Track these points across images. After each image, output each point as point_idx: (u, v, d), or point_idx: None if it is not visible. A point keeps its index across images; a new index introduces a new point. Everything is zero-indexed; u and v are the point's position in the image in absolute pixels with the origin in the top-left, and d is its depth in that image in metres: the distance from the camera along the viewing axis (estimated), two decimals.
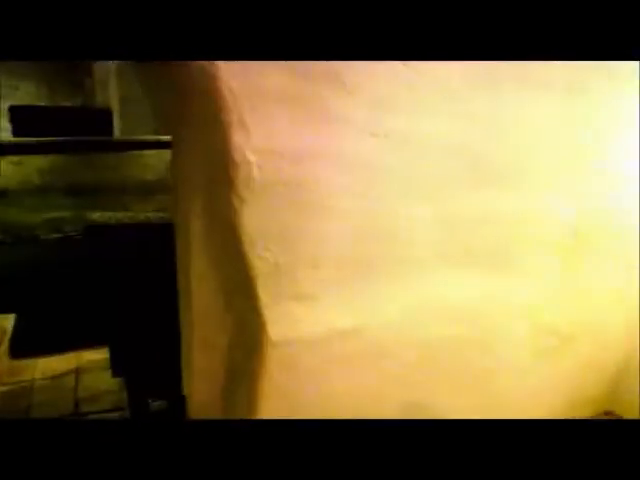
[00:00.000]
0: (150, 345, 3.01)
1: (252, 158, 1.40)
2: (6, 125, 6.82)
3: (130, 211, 3.43)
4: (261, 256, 1.61)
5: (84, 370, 3.29)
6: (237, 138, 1.35)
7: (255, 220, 1.55)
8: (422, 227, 1.71)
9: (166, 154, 3.86)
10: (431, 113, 1.43)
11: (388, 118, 1.38)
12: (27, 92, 6.77)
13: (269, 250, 1.61)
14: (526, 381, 2.16)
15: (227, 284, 1.86)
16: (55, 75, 6.86)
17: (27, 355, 3.41)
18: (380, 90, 1.31)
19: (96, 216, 2.80)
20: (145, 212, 3.02)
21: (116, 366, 3.15)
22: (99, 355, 3.43)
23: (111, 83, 4.66)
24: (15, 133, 5.16)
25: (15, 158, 3.45)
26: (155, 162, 3.76)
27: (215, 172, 1.55)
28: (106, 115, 4.84)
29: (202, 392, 2.20)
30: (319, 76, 1.26)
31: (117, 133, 4.61)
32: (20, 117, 5.19)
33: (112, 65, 4.58)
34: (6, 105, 6.44)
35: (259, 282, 1.66)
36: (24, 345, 3.53)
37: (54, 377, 3.21)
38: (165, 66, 1.36)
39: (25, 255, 3.31)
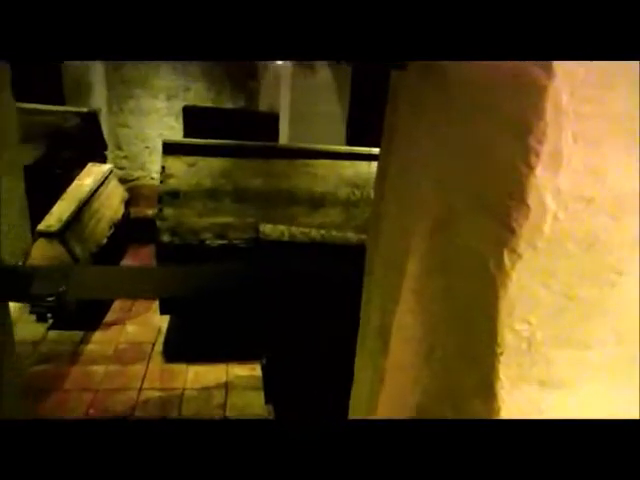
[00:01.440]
0: (308, 377, 2.75)
1: (552, 204, 0.97)
2: (171, 123, 7.20)
3: (299, 224, 3.21)
4: (515, 328, 1.18)
5: (233, 386, 3.13)
6: (541, 174, 0.93)
7: (523, 284, 1.12)
8: None
9: (338, 165, 3.62)
10: None
11: None
12: (197, 93, 7.04)
13: (527, 322, 1.18)
14: None
15: (443, 343, 1.45)
16: (223, 77, 7.06)
17: (179, 358, 3.35)
18: None
19: (268, 229, 2.59)
20: (317, 228, 2.76)
21: (269, 392, 2.94)
22: (249, 372, 3.27)
23: (282, 87, 4.55)
24: (186, 132, 5.31)
25: (190, 159, 3.40)
26: (324, 173, 3.53)
27: (472, 210, 1.16)
28: (272, 119, 4.76)
29: None
30: None
31: (284, 139, 4.48)
32: (191, 117, 5.34)
33: (285, 68, 4.46)
34: (178, 105, 6.77)
35: (502, 359, 1.23)
36: (177, 347, 3.48)
37: (203, 389, 3.09)
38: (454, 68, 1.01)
39: (189, 258, 3.23)
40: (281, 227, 2.64)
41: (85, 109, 5.01)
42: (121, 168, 7.17)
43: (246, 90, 7.19)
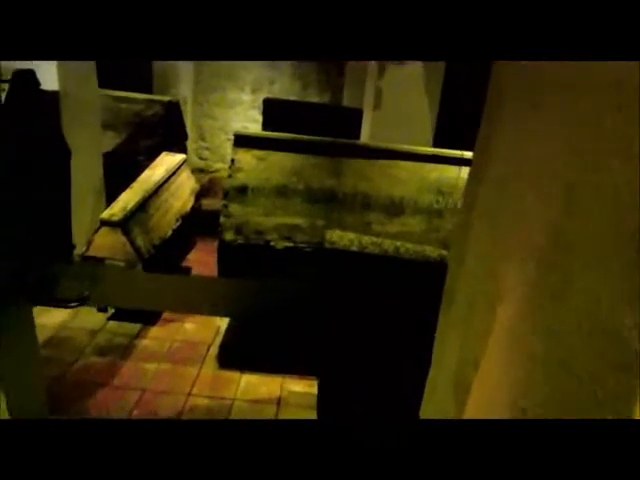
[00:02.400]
0: (367, 398, 2.44)
1: None
2: (255, 116, 7.11)
3: (373, 232, 2.89)
4: None
5: (286, 402, 2.87)
6: None
7: None
8: None
9: (422, 169, 3.25)
10: None
11: None
12: (283, 87, 6.88)
13: None
14: None
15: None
16: (309, 71, 6.86)
17: (234, 364, 3.15)
18: None
19: (335, 236, 2.29)
20: (392, 239, 2.43)
21: (322, 410, 2.66)
22: (305, 388, 3.00)
23: (367, 82, 4.23)
24: (265, 125, 5.13)
25: (260, 152, 3.18)
26: (406, 176, 3.18)
27: (598, 243, 0.82)
28: (356, 115, 4.46)
29: None
30: None
31: (365, 137, 4.17)
32: (272, 110, 5.15)
33: (371, 64, 4.14)
34: (262, 97, 6.65)
35: None
36: (233, 352, 3.28)
37: (254, 402, 2.85)
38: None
39: (253, 259, 3.01)
40: (350, 235, 2.33)
41: (168, 98, 4.97)
42: (203, 159, 7.19)
43: (332, 86, 6.95)
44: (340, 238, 2.30)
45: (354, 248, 2.24)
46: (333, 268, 2.17)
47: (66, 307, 1.31)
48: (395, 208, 3.10)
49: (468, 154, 3.23)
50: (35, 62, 3.18)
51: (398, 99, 3.87)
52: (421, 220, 3.12)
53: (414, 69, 3.84)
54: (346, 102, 6.40)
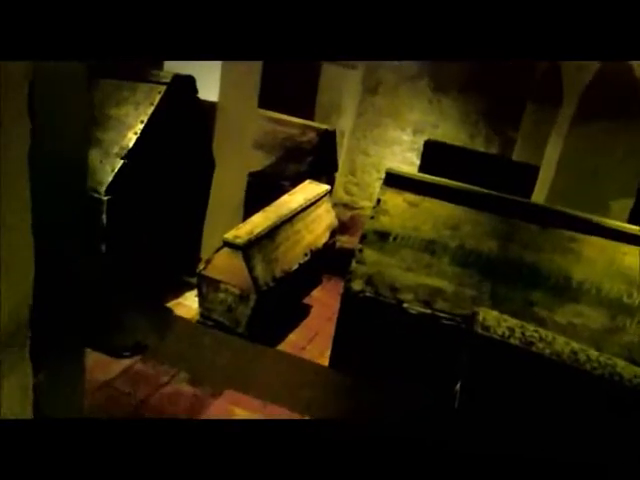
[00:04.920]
0: None
1: None
2: (412, 159, 6.71)
3: (534, 317, 2.26)
4: None
5: None
6: None
7: None
8: None
9: (614, 248, 2.54)
10: None
11: None
12: (446, 132, 6.40)
13: None
14: None
15: None
16: (478, 120, 6.30)
17: None
18: None
19: (491, 319, 1.73)
20: (566, 339, 1.79)
21: None
22: None
23: (553, 135, 3.59)
24: (422, 169, 4.69)
25: (413, 197, 2.72)
26: (591, 254, 2.49)
27: None
28: (530, 172, 3.82)
29: None
30: None
31: (539, 198, 3.51)
32: (432, 153, 4.70)
33: (563, 117, 3.50)
34: (422, 140, 6.24)
35: None
36: None
37: None
38: None
39: (379, 318, 2.54)
40: (510, 320, 1.75)
41: (324, 126, 4.76)
42: (349, 194, 6.94)
43: (503, 137, 6.30)
44: (497, 322, 1.73)
45: (515, 341, 1.66)
46: (484, 363, 1.60)
47: (118, 356, 1.02)
48: (570, 292, 2.42)
49: None
50: (198, 69, 3.10)
51: (589, 157, 3.18)
52: (602, 314, 2.40)
53: (609, 123, 3.14)
54: (516, 158, 5.73)
